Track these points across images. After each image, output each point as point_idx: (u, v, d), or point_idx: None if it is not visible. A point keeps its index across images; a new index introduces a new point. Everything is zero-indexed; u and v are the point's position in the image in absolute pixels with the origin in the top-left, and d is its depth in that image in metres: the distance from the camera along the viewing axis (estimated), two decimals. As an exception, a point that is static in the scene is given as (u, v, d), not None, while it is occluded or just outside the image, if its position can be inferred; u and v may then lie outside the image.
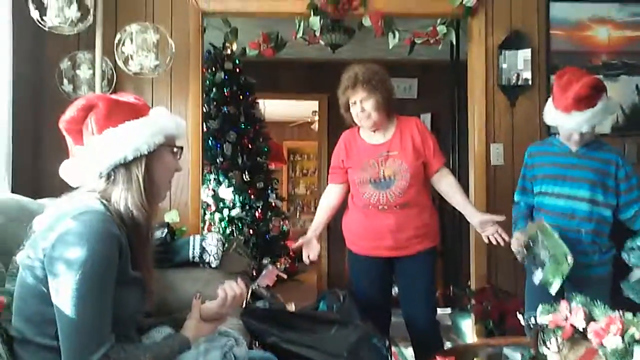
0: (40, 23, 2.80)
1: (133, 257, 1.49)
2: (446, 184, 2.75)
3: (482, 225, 2.64)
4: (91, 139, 1.50)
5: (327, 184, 2.91)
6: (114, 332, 1.40)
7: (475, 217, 2.68)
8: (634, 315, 1.58)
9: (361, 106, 2.64)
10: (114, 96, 1.58)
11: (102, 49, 3.09)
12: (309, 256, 2.78)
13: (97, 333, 1.36)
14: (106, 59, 3.20)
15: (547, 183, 2.55)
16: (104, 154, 1.48)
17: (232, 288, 1.65)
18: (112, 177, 1.49)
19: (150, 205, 1.52)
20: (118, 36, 3.09)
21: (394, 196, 2.64)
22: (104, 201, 1.48)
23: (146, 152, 1.50)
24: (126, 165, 1.49)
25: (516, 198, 2.75)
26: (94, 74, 3.16)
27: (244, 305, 2.79)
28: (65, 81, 3.21)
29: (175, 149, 1.62)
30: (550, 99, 2.52)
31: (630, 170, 2.51)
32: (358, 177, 2.70)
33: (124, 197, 1.48)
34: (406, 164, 2.65)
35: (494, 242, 2.61)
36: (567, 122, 2.42)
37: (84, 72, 3.23)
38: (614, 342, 1.51)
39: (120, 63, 3.10)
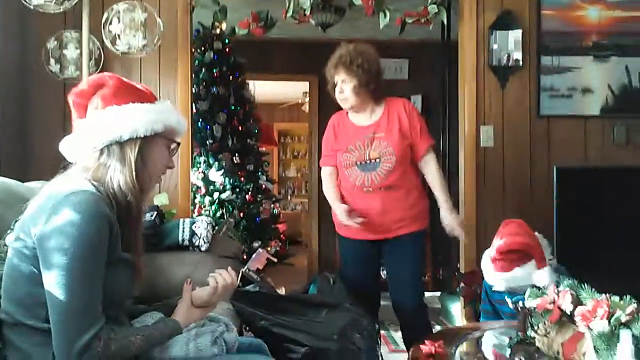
0: (25, 1, 2.74)
1: (123, 238, 1.48)
2: (428, 174, 2.75)
3: (447, 226, 2.72)
4: (93, 113, 1.51)
5: (320, 167, 2.88)
6: (104, 314, 1.39)
7: (445, 218, 2.71)
8: (621, 298, 1.59)
9: (341, 87, 2.67)
10: (127, 80, 1.59)
11: (89, 28, 3.04)
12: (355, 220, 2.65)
13: (88, 314, 1.35)
14: (93, 38, 3.15)
15: (521, 297, 2.33)
16: (102, 129, 1.48)
17: (224, 277, 1.64)
18: (106, 154, 1.49)
19: (140, 188, 1.51)
20: (105, 15, 3.04)
21: (379, 178, 2.64)
22: (95, 182, 1.47)
23: (142, 135, 1.50)
24: (121, 144, 1.49)
25: (483, 307, 2.65)
26: (81, 53, 3.11)
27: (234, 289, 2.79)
28: (52, 61, 3.16)
29: (172, 145, 1.61)
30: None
31: None
32: (344, 159, 2.70)
33: (116, 177, 1.48)
34: (392, 146, 2.64)
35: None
36: (491, 276, 2.39)
37: (70, 52, 3.18)
38: (600, 325, 1.52)
39: (107, 42, 3.05)
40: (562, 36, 3.50)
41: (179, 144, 1.65)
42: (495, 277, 2.39)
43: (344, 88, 2.66)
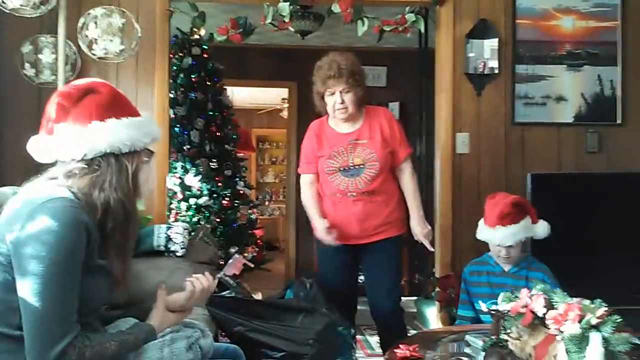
0: (1, 5, 2.71)
1: (105, 245, 1.48)
2: (403, 181, 2.80)
3: (415, 235, 2.77)
4: (86, 122, 1.47)
5: (300, 174, 2.88)
6: (79, 321, 1.38)
7: (414, 227, 2.78)
8: (592, 302, 1.62)
9: (341, 98, 2.65)
10: (116, 88, 1.58)
11: (65, 32, 3.01)
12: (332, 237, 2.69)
13: (62, 322, 1.34)
14: (70, 43, 3.12)
15: (483, 302, 2.51)
16: (100, 139, 1.46)
17: (201, 281, 1.65)
18: (98, 164, 1.47)
19: (138, 197, 1.54)
20: (82, 19, 3.01)
21: (363, 183, 2.68)
22: (74, 190, 1.45)
23: (139, 150, 1.53)
24: (117, 156, 1.49)
25: (460, 313, 2.72)
26: (57, 58, 3.08)
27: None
28: (27, 65, 3.12)
29: (150, 155, 1.62)
30: (482, 219, 2.67)
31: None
32: (327, 166, 2.71)
33: (113, 187, 1.47)
34: (375, 153, 2.68)
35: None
36: (493, 236, 2.56)
37: (46, 57, 3.15)
38: (572, 328, 1.55)
39: (84, 47, 3.02)
40: (537, 45, 3.57)
41: (153, 152, 1.65)
42: (502, 233, 2.53)
43: (345, 98, 2.65)
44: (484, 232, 2.62)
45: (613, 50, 3.57)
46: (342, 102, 2.65)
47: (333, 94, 2.66)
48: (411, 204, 2.78)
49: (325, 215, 2.75)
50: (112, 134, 1.47)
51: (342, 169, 2.70)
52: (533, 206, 2.65)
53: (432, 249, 2.92)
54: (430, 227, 2.81)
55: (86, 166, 1.47)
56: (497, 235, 2.55)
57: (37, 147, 1.51)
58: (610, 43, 3.58)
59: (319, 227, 2.71)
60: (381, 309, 2.76)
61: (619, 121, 3.57)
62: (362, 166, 2.68)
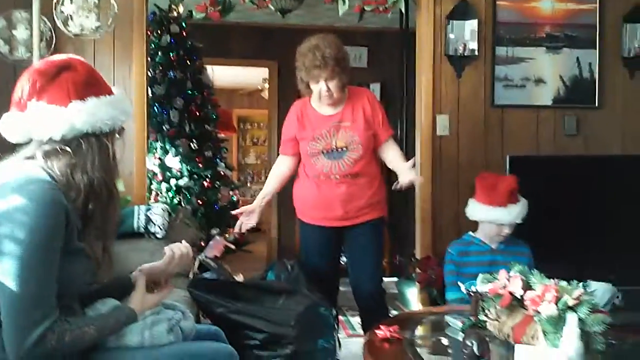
0: (-30, -20, 2.64)
1: (86, 228, 1.46)
2: (389, 154, 2.79)
3: (403, 172, 2.66)
4: (65, 101, 1.43)
5: (278, 154, 2.89)
6: (58, 304, 1.37)
7: (404, 170, 2.66)
8: (569, 283, 1.65)
9: (326, 85, 2.63)
10: (91, 66, 1.55)
11: (39, 8, 2.94)
12: (241, 226, 2.77)
13: (40, 305, 1.33)
14: (44, 18, 3.04)
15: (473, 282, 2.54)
16: (80, 119, 1.43)
17: (179, 247, 1.70)
18: (77, 144, 1.45)
19: (110, 178, 1.51)
20: (57, -5, 2.95)
21: (346, 166, 2.68)
22: (51, 171, 1.42)
23: (117, 128, 1.51)
24: (97, 136, 1.47)
25: (450, 296, 2.71)
26: (31, 34, 3.00)
27: (190, 277, 2.77)
28: (0, 42, 3.05)
29: (121, 131, 1.59)
30: (473, 200, 2.74)
31: (531, 263, 2.62)
32: (310, 148, 2.71)
33: (96, 167, 1.46)
34: (358, 136, 2.69)
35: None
36: (502, 215, 2.64)
37: (20, 33, 3.08)
38: (548, 309, 1.58)
39: (59, 24, 2.96)
40: (517, 27, 3.57)
41: (124, 129, 1.61)
42: (514, 211, 2.63)
43: (330, 85, 2.63)
44: (487, 212, 2.67)
45: (591, 33, 3.59)
46: (328, 89, 2.64)
47: (318, 82, 2.64)
48: (398, 158, 2.75)
49: (301, 198, 2.79)
50: (93, 113, 1.45)
51: (325, 151, 2.70)
52: None
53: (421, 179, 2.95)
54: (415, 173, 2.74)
55: (66, 147, 1.44)
56: (510, 213, 2.63)
57: (8, 125, 1.46)
58: (588, 26, 3.59)
59: (248, 208, 2.78)
60: (363, 291, 2.78)
61: (596, 104, 3.60)
62: (345, 149, 2.68)
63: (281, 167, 2.86)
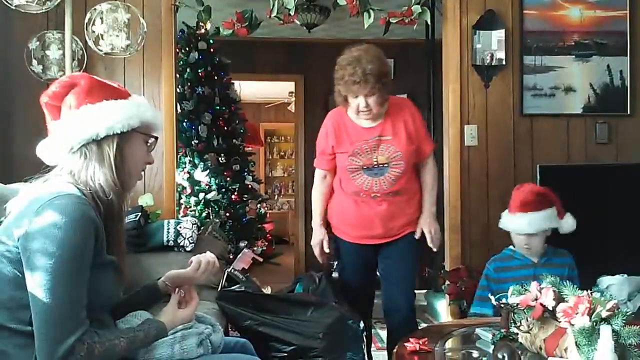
0: (6, 1, 2.72)
1: (107, 240, 1.48)
2: (424, 175, 2.73)
3: (422, 228, 2.69)
4: (68, 113, 1.50)
5: (308, 166, 2.84)
6: (88, 317, 1.39)
7: (422, 222, 2.70)
8: (602, 295, 1.61)
9: (365, 101, 2.50)
10: (98, 78, 1.59)
11: (71, 28, 3.02)
12: (325, 258, 2.77)
13: (71, 318, 1.35)
14: (76, 38, 3.12)
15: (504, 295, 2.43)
16: (77, 128, 1.47)
17: (205, 256, 1.74)
18: (84, 154, 1.48)
19: (121, 186, 1.52)
20: (88, 15, 3.02)
21: (388, 183, 2.58)
22: (79, 185, 1.46)
23: (119, 132, 1.50)
24: (98, 142, 1.49)
25: (474, 310, 2.65)
26: (63, 54, 3.08)
27: (219, 289, 2.79)
28: (34, 62, 3.13)
29: (149, 140, 1.61)
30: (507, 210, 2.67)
31: (575, 274, 2.57)
32: (350, 164, 2.59)
33: (97, 176, 1.48)
34: (400, 151, 2.57)
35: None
36: (514, 223, 2.56)
37: (53, 53, 3.16)
38: (581, 321, 1.54)
39: (90, 43, 3.03)
40: (545, 36, 3.53)
41: (156, 138, 1.63)
42: (524, 220, 2.52)
43: (369, 101, 2.49)
44: (507, 221, 2.60)
45: (622, 40, 3.53)
46: (367, 105, 2.50)
47: (356, 97, 2.51)
48: (427, 198, 2.72)
49: (339, 214, 2.71)
50: (87, 120, 1.48)
51: (365, 167, 2.57)
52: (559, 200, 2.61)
53: (434, 248, 2.76)
54: (438, 226, 2.73)
55: (78, 158, 1.49)
56: (518, 222, 2.53)
57: (43, 150, 1.55)
58: (618, 33, 3.54)
59: (316, 238, 2.74)
60: (397, 310, 2.69)
61: (628, 112, 3.54)
62: (386, 165, 2.56)
63: (324, 185, 2.75)
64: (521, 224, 2.53)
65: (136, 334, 1.49)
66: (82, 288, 1.37)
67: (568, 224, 2.58)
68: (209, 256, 1.75)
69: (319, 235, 2.75)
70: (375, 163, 2.57)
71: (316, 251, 2.78)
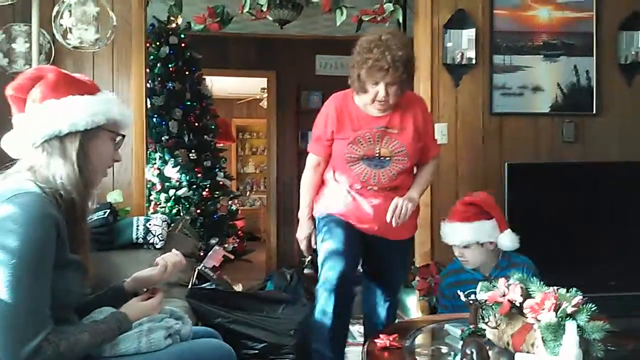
0: (-30, -7, 2.65)
1: (70, 238, 1.46)
2: (421, 170, 2.56)
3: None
4: (32, 107, 1.47)
5: (309, 153, 2.54)
6: (54, 316, 1.37)
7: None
8: (567, 291, 1.65)
9: (386, 90, 2.28)
10: (67, 72, 1.55)
11: (38, 21, 2.96)
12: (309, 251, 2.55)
13: (35, 319, 1.33)
14: (44, 31, 3.06)
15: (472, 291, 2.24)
16: (40, 123, 1.45)
17: (171, 255, 1.72)
18: (46, 150, 1.46)
19: (84, 184, 1.49)
20: (56, 8, 2.96)
21: (387, 178, 2.39)
22: (39, 182, 1.43)
23: (82, 129, 1.47)
24: (61, 138, 1.46)
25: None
26: (30, 47, 3.02)
27: (190, 287, 2.77)
28: (0, 54, 3.06)
29: (116, 138, 1.58)
30: None
31: (533, 274, 2.41)
32: (349, 151, 2.38)
33: (58, 173, 1.45)
34: (405, 147, 2.39)
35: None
36: (443, 232, 2.49)
37: (20, 46, 3.09)
38: (548, 317, 1.57)
39: (58, 36, 2.97)
40: (514, 36, 3.58)
41: (123, 136, 1.61)
42: (457, 229, 2.43)
43: (390, 91, 2.29)
44: (442, 229, 2.51)
45: (588, 41, 3.60)
46: (386, 94, 2.29)
47: (377, 84, 2.29)
48: (414, 187, 2.48)
49: (329, 207, 2.47)
50: (50, 115, 1.45)
51: (365, 157, 2.37)
52: (505, 212, 2.58)
53: (393, 223, 2.36)
54: (408, 203, 2.37)
55: (40, 154, 1.46)
56: (446, 232, 2.47)
57: (7, 143, 1.52)
58: (585, 34, 3.61)
59: (303, 232, 2.54)
60: (377, 315, 2.59)
61: (594, 111, 3.61)
62: (388, 158, 2.37)
63: (316, 175, 2.53)
64: (447, 234, 2.47)
65: (99, 325, 1.48)
66: (44, 286, 1.35)
67: (506, 239, 2.43)
68: (174, 255, 1.72)
69: (306, 228, 2.56)
70: (377, 154, 2.38)
71: (303, 245, 2.57)
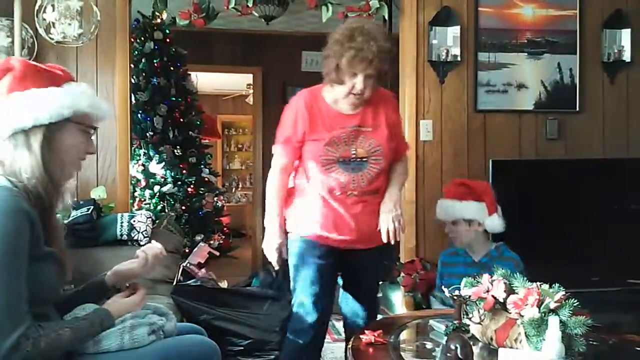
0: (-50, -13, 2.61)
1: (44, 232, 1.44)
2: (396, 169, 2.39)
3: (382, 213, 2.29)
4: (6, 95, 1.45)
5: (275, 156, 2.38)
6: (33, 311, 1.36)
7: (383, 210, 2.27)
8: (550, 286, 1.67)
9: (363, 83, 2.16)
10: (37, 63, 1.53)
11: (21, 15, 2.92)
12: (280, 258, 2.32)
13: (12, 313, 1.31)
14: (26, 26, 3.03)
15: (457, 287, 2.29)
16: (5, 117, 1.43)
17: (151, 248, 1.71)
18: (13, 143, 1.44)
19: (50, 177, 1.46)
20: (39, 2, 2.93)
21: (366, 181, 2.24)
22: (9, 176, 1.42)
23: (47, 122, 1.45)
24: (26, 132, 1.44)
25: (437, 292, 2.77)
26: (13, 42, 2.99)
27: (175, 283, 2.76)
28: (-20, 49, 3.03)
29: (90, 130, 1.56)
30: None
31: (520, 270, 2.52)
32: (324, 154, 2.21)
33: (24, 167, 1.43)
34: (381, 145, 2.25)
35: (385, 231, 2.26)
36: (438, 208, 2.69)
37: (2, 40, 3.07)
38: (531, 312, 1.59)
39: (41, 31, 2.94)
40: (498, 33, 3.61)
41: (95, 128, 1.58)
42: (446, 206, 2.65)
43: (367, 83, 2.16)
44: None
45: (572, 39, 3.63)
46: (365, 86, 2.16)
47: (356, 76, 2.15)
48: (393, 185, 2.34)
49: (300, 216, 2.31)
50: (15, 109, 1.43)
51: (341, 160, 2.21)
52: (496, 198, 2.66)
53: (384, 239, 2.27)
54: (399, 213, 2.27)
55: (7, 148, 1.44)
56: (438, 208, 2.67)
57: None
58: (569, 32, 3.64)
59: (273, 243, 2.28)
60: (356, 315, 2.49)
61: (577, 108, 3.65)
62: (365, 160, 2.22)
63: (282, 181, 2.34)
64: (439, 209, 2.67)
65: (81, 322, 1.47)
66: (20, 281, 1.34)
67: (493, 222, 2.59)
68: (154, 247, 1.71)
69: (277, 238, 2.30)
70: (353, 156, 2.22)
71: (273, 257, 2.31)
